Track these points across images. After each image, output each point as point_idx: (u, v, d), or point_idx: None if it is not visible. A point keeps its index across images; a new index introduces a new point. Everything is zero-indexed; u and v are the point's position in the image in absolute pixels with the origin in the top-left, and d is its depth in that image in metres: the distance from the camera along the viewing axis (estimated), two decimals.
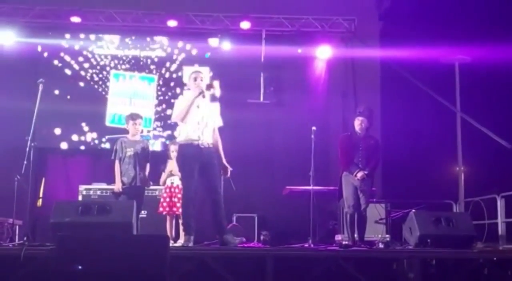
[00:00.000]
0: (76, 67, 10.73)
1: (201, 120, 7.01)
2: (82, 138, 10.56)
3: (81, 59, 10.75)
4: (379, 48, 10.88)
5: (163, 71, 10.93)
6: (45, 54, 10.65)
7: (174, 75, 10.96)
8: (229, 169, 7.24)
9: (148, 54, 10.93)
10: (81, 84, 10.69)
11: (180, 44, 11.01)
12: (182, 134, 7.06)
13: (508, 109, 10.34)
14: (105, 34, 10.87)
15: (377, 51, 10.83)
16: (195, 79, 7.11)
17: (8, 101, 9.90)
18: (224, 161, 7.21)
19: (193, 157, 6.90)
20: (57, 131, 10.50)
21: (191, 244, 6.71)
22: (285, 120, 10.68)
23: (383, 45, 10.88)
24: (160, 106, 10.83)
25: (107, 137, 10.51)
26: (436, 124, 10.55)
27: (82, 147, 10.56)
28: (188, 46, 11.04)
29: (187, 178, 6.95)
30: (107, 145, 10.47)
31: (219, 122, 7.26)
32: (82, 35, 10.79)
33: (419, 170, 10.42)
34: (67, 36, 10.74)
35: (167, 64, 10.96)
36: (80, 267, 4.81)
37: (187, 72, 10.87)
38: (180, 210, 7.44)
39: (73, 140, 10.53)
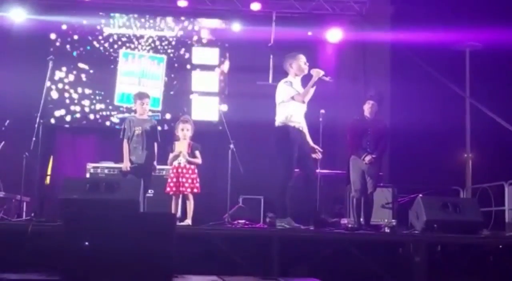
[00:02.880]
0: (86, 45, 10.69)
1: (303, 103, 7.25)
2: (91, 115, 10.56)
3: (90, 37, 10.71)
4: (390, 32, 10.79)
5: (172, 52, 10.89)
6: (55, 32, 10.59)
7: (184, 56, 10.92)
8: (318, 149, 7.46)
9: (158, 33, 10.88)
10: (90, 62, 10.65)
11: (189, 24, 10.96)
12: (285, 115, 7.23)
13: None
14: (115, 13, 10.82)
15: (388, 35, 10.75)
16: (305, 63, 7.32)
17: (18, 77, 9.90)
18: (311, 142, 7.46)
19: (293, 140, 7.14)
20: (66, 109, 10.49)
21: (289, 226, 6.92)
22: None
23: (394, 29, 10.79)
24: (170, 87, 10.81)
25: (115, 116, 10.51)
26: (445, 110, 10.50)
27: (91, 125, 10.55)
28: (198, 27, 10.99)
29: (288, 162, 7.16)
30: (115, 119, 10.47)
31: (305, 108, 7.43)
32: (92, 13, 10.73)
33: (427, 156, 10.39)
34: (77, 14, 10.68)
35: (177, 45, 10.92)
36: (87, 243, 4.82)
37: (201, 53, 10.91)
38: (194, 191, 7.48)
39: (82, 119, 10.53)
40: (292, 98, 7.20)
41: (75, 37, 10.65)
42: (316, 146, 7.47)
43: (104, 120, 10.57)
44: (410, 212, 7.59)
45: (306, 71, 7.30)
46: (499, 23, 9.75)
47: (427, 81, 10.38)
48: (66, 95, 10.50)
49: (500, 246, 6.88)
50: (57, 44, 10.56)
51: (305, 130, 7.44)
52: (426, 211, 7.03)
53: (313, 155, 7.45)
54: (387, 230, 8.10)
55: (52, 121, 10.24)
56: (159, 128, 8.29)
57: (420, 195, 8.06)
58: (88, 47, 10.69)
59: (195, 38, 10.97)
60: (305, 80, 7.39)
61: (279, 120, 7.27)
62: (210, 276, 5.20)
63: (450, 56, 10.88)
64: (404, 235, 6.96)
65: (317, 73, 7.20)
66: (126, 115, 9.75)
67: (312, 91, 7.22)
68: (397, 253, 6.64)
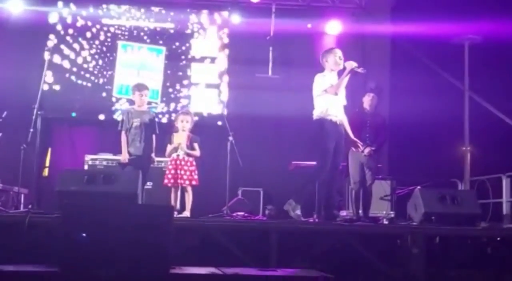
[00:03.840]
0: (84, 37, 10.65)
1: (339, 96, 7.19)
2: (89, 107, 10.53)
3: (88, 29, 10.67)
4: (390, 25, 10.77)
5: (171, 43, 10.86)
6: (53, 23, 10.54)
7: (183, 48, 10.89)
8: (359, 143, 7.48)
9: (157, 25, 10.85)
10: (88, 53, 10.63)
11: (189, 16, 10.93)
12: (321, 108, 7.16)
13: None
14: (114, 4, 10.78)
15: (388, 28, 10.72)
16: (340, 58, 7.24)
17: (15, 69, 9.89)
18: (352, 136, 7.43)
19: (330, 134, 7.08)
20: (64, 100, 10.46)
21: (297, 213, 6.95)
22: (293, 95, 10.62)
23: (394, 21, 10.77)
24: (169, 79, 10.79)
25: (113, 108, 10.50)
26: (444, 103, 10.48)
27: (89, 116, 10.52)
28: (197, 19, 10.96)
29: (323, 155, 7.08)
30: (114, 111, 10.46)
31: (345, 101, 7.37)
32: (90, 5, 10.70)
33: (426, 148, 10.38)
34: (75, 5, 10.64)
35: (176, 36, 10.88)
36: (84, 234, 4.82)
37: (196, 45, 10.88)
38: (198, 182, 7.50)
39: (80, 110, 10.49)
40: (325, 91, 7.13)
41: (74, 28, 10.61)
42: (356, 140, 7.46)
43: (102, 112, 10.54)
44: (409, 204, 7.59)
45: (341, 66, 7.21)
46: (498, 17, 9.73)
47: (426, 74, 10.37)
48: (64, 86, 10.46)
49: (498, 238, 6.89)
50: (55, 35, 10.52)
51: (345, 123, 7.38)
52: (424, 203, 7.03)
53: (354, 149, 7.48)
54: (385, 222, 8.10)
55: (50, 112, 10.19)
56: (157, 120, 8.28)
57: (419, 187, 8.07)
58: (87, 39, 10.65)
59: (194, 30, 10.94)
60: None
61: (315, 114, 7.21)
62: (209, 268, 5.20)
63: (450, 49, 10.86)
64: (402, 227, 6.96)
65: (350, 65, 7.09)
66: (124, 106, 9.74)
67: (344, 83, 7.14)
68: (395, 245, 6.65)
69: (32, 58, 9.44)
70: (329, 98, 7.13)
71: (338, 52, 7.31)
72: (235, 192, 9.27)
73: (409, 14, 10.34)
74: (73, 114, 10.46)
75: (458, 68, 10.99)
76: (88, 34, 10.65)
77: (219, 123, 9.67)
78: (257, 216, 8.53)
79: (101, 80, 10.60)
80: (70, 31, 10.60)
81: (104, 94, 10.57)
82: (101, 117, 10.50)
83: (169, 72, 10.80)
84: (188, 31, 10.93)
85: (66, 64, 10.49)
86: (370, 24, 10.72)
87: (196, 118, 8.07)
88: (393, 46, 11.02)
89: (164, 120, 10.37)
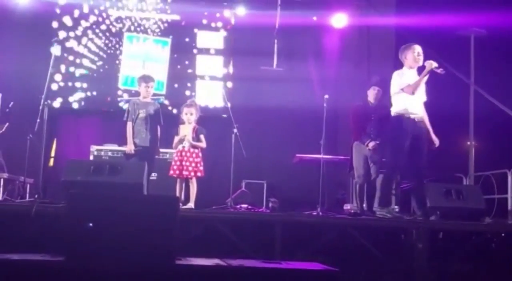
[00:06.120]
0: (90, 27, 10.64)
1: (419, 93, 7.20)
2: (95, 98, 10.54)
3: (95, 20, 10.65)
4: (395, 17, 10.75)
5: (177, 35, 10.85)
6: (60, 13, 10.51)
7: (189, 40, 10.89)
8: (437, 141, 7.41)
9: (163, 17, 10.84)
10: (95, 44, 10.62)
11: (195, 8, 10.91)
12: (399, 106, 7.17)
13: None
14: None
15: (393, 20, 10.70)
16: (419, 54, 7.23)
17: (22, 59, 9.88)
18: (432, 133, 7.39)
19: (406, 131, 7.07)
20: (70, 91, 10.46)
21: (390, 215, 7.03)
22: (298, 88, 10.64)
23: (398, 13, 10.74)
24: (174, 71, 10.78)
25: (119, 99, 10.50)
26: (449, 96, 10.46)
27: (95, 107, 10.53)
28: (202, 10, 10.94)
29: (396, 152, 7.14)
30: (120, 102, 10.46)
31: (425, 97, 7.37)
32: None
33: (430, 142, 10.36)
34: None
35: (182, 28, 10.87)
36: (90, 224, 4.83)
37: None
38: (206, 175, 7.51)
39: (86, 101, 10.50)
40: (402, 89, 7.13)
41: (80, 19, 10.59)
42: (435, 138, 7.42)
43: (108, 103, 10.54)
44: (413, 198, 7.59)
45: (420, 62, 7.21)
46: (504, 9, 9.70)
47: None
48: (71, 77, 10.47)
49: (503, 234, 6.89)
50: (62, 26, 10.50)
51: (425, 121, 7.36)
52: (429, 198, 7.03)
53: (433, 146, 7.46)
54: (389, 216, 8.09)
55: (56, 103, 10.22)
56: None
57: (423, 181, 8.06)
58: (93, 30, 10.64)
59: (200, 21, 10.93)
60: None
61: (394, 110, 7.23)
62: (213, 259, 5.22)
63: (455, 41, 10.83)
64: (406, 222, 6.97)
65: (430, 64, 7.07)
66: (130, 97, 9.76)
67: (423, 82, 7.13)
68: (399, 239, 6.66)
69: (39, 48, 9.43)
70: (408, 95, 7.13)
71: (417, 48, 7.28)
72: (238, 184, 9.28)
73: (413, 7, 10.30)
74: (75, 106, 10.48)
75: (463, 61, 10.95)
76: (94, 25, 10.62)
77: (224, 115, 9.67)
78: (261, 209, 8.55)
79: (106, 71, 10.59)
80: (77, 21, 10.56)
81: (109, 85, 10.56)
82: (107, 108, 10.51)
83: (174, 63, 10.79)
84: (194, 23, 10.90)
85: (73, 54, 10.49)
86: (375, 17, 10.69)
87: (201, 112, 8.03)
88: (398, 38, 10.98)
89: (169, 111, 10.36)
